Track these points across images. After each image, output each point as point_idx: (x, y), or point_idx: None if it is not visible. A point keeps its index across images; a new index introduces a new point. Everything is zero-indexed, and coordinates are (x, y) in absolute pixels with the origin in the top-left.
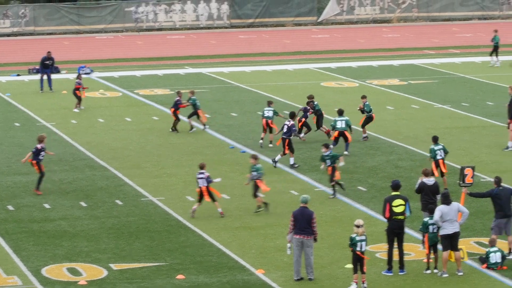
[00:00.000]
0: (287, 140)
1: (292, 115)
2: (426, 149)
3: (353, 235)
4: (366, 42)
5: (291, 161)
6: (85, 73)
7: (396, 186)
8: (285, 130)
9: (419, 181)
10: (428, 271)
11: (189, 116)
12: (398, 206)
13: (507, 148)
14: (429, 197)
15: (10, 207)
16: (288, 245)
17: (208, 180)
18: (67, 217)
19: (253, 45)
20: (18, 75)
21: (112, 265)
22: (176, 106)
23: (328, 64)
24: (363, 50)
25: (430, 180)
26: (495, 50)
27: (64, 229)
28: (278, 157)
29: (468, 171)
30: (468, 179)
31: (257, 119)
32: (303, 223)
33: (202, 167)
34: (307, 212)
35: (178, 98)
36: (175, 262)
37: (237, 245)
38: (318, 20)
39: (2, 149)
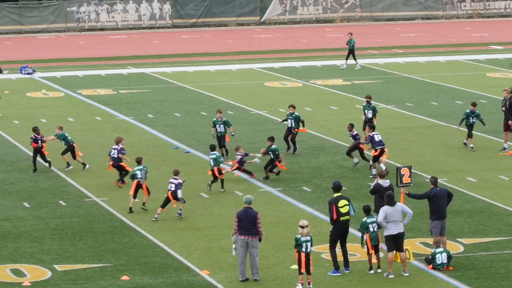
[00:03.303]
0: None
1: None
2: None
3: (298, 236)
4: (309, 42)
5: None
6: (27, 73)
7: (338, 188)
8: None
9: (375, 182)
10: (371, 271)
11: (63, 153)
12: (343, 206)
13: (504, 149)
14: (383, 198)
15: None
16: (233, 246)
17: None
18: (10, 218)
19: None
20: None
21: (56, 266)
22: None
23: (271, 64)
24: (306, 50)
25: (385, 182)
26: (351, 53)
27: (8, 230)
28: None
29: (404, 171)
30: (406, 179)
31: (201, 119)
32: (248, 223)
33: (176, 173)
34: (251, 212)
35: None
36: (120, 263)
37: (181, 246)
38: (261, 20)
39: None
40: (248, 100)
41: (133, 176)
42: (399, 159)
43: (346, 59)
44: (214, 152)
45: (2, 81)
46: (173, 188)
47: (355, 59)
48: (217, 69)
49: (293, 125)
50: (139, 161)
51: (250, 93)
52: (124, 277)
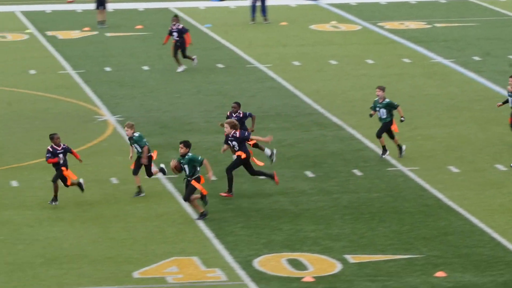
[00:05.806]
0: None
1: None
2: None
3: None
4: None
5: None
6: None
7: None
8: None
9: None
10: None
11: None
12: None
13: None
14: None
15: None
16: None
17: None
18: (287, 191)
19: None
20: None
21: (348, 257)
22: None
23: None
24: None
25: None
26: None
27: (284, 208)
28: None
29: None
30: None
31: None
32: None
33: None
34: None
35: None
36: (433, 254)
37: None
38: None
39: (200, 98)
40: None
41: None
42: None
43: None
44: None
45: (278, 9)
46: None
47: None
48: None
49: None
50: None
51: None
52: (439, 273)
